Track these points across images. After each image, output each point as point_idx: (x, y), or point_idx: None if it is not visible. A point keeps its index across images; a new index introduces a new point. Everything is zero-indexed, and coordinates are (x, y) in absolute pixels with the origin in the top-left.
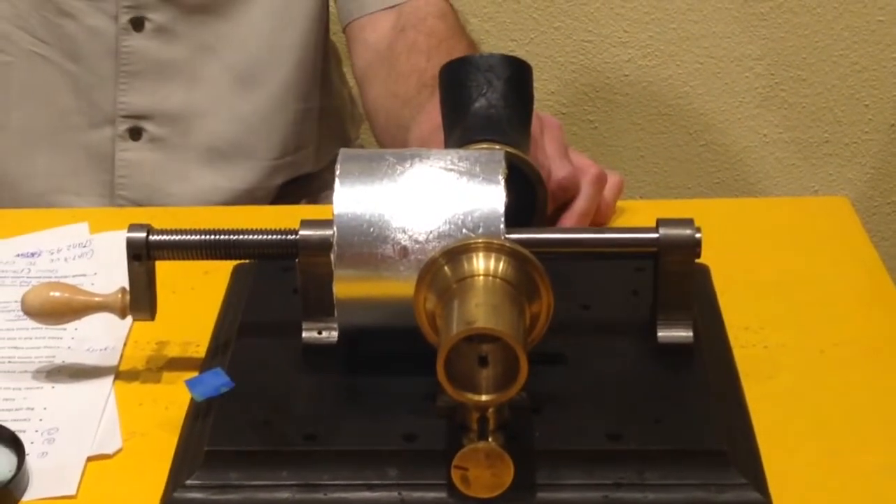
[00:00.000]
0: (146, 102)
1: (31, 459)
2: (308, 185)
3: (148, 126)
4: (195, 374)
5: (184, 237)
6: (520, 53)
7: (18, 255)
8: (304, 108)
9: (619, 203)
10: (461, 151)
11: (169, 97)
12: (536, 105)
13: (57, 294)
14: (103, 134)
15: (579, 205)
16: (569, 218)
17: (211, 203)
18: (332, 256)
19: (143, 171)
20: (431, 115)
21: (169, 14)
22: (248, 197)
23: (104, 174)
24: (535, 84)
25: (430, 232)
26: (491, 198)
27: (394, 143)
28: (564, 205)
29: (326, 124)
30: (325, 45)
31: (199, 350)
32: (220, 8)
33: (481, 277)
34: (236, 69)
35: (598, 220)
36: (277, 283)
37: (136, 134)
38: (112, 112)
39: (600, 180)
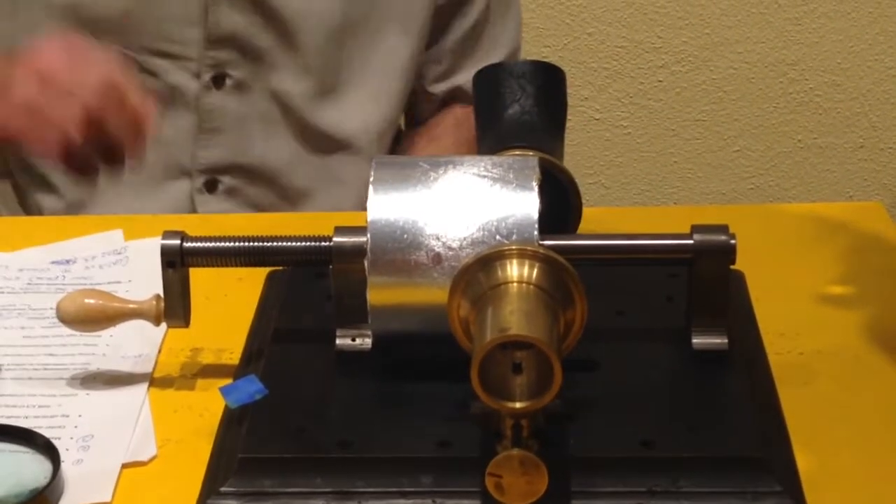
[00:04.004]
0: (224, 156)
1: (66, 466)
2: None
3: (224, 178)
4: (229, 381)
5: (218, 244)
6: (553, 59)
7: (53, 262)
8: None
9: (654, 209)
10: (494, 158)
11: (246, 151)
12: (570, 111)
13: (91, 301)
14: (180, 187)
15: None
16: None
17: None
18: (366, 263)
19: None
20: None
21: (248, 69)
22: None
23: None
24: (569, 90)
25: (464, 238)
26: (525, 204)
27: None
28: None
29: None
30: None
31: (234, 357)
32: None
33: (515, 284)
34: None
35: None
36: (311, 289)
37: (212, 186)
38: (190, 166)
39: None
